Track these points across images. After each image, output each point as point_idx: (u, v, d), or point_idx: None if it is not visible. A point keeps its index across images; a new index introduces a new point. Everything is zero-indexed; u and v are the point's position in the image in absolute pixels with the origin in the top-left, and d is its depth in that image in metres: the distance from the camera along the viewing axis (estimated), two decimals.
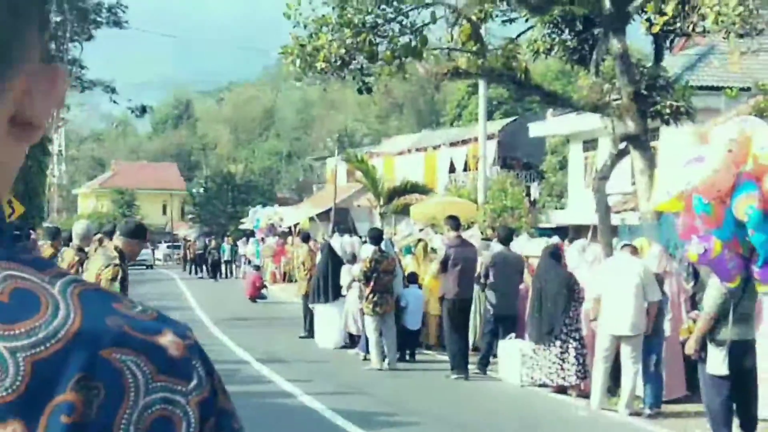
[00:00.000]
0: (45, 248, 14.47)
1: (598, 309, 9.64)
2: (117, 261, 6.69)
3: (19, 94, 0.79)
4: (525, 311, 12.44)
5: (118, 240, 6.90)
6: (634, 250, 9.87)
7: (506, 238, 12.98)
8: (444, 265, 11.81)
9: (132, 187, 65.56)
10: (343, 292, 14.33)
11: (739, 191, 6.85)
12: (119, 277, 6.67)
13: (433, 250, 15.01)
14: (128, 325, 0.74)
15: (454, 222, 12.48)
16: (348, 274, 14.15)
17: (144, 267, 43.42)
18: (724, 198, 6.93)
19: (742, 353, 7.68)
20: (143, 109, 55.60)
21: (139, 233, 7.04)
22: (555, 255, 10.82)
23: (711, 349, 7.71)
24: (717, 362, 7.65)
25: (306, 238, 17.59)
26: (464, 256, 11.80)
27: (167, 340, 0.75)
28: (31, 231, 18.83)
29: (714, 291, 7.68)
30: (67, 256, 8.99)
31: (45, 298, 0.73)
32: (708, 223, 7.08)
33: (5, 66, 0.77)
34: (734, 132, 7.09)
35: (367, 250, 13.09)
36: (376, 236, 13.05)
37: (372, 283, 12.40)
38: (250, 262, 34.47)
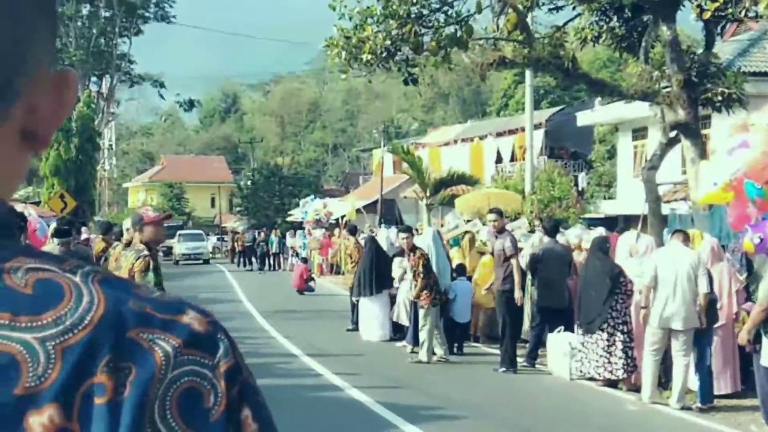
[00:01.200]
0: (97, 242, 14.66)
1: (649, 297, 9.47)
2: (145, 252, 6.86)
3: (26, 109, 0.81)
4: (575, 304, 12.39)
5: (138, 234, 7.04)
6: (686, 238, 9.67)
7: (552, 230, 12.84)
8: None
9: (181, 181, 66.23)
10: (395, 283, 14.31)
11: None
12: (151, 266, 6.83)
13: (483, 243, 14.90)
14: (150, 307, 0.77)
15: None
16: (399, 265, 14.14)
17: (200, 262, 43.66)
18: None
19: None
20: (191, 103, 56.25)
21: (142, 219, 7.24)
22: (603, 247, 10.67)
23: (765, 341, 7.56)
24: None
25: (353, 230, 17.60)
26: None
27: (190, 317, 0.78)
28: (82, 225, 19.09)
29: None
30: (116, 252, 9.08)
31: (68, 286, 0.76)
32: (764, 208, 6.93)
33: (12, 91, 0.79)
34: None
35: (421, 241, 13.00)
36: (407, 229, 13.12)
37: (428, 277, 12.30)
38: (297, 254, 34.59)
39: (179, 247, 44.62)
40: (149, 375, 0.73)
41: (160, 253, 7.50)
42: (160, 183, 67.59)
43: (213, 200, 71.73)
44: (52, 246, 10.50)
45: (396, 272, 14.26)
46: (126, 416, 0.72)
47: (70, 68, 0.86)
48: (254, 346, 14.31)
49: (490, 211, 12.78)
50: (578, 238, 13.50)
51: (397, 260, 14.44)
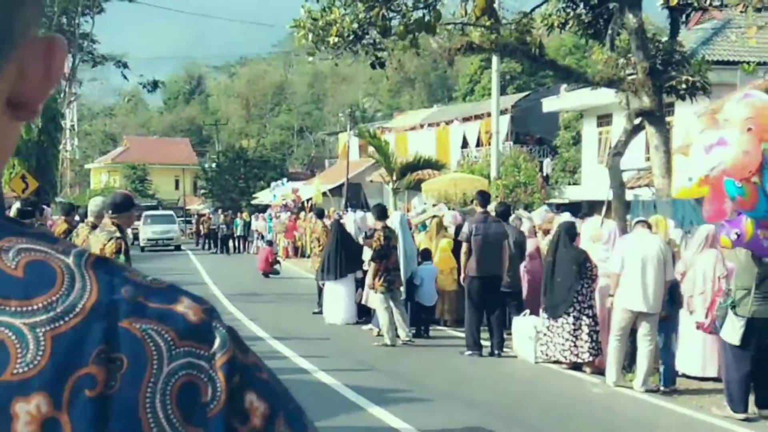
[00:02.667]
0: (59, 223, 14.50)
1: (616, 285, 9.59)
2: (118, 234, 6.87)
3: (14, 75, 0.78)
4: (536, 287, 12.48)
5: (110, 217, 7.02)
6: (648, 227, 9.81)
7: (503, 215, 12.93)
8: (467, 240, 11.74)
9: (144, 162, 65.65)
10: (365, 266, 14.35)
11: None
12: (122, 249, 6.83)
13: (445, 229, 14.98)
14: (143, 296, 0.75)
15: (483, 197, 12.41)
16: (369, 248, 14.18)
17: (170, 248, 39.00)
18: (753, 177, 6.92)
19: (764, 330, 7.66)
20: (155, 84, 55.72)
21: (129, 204, 7.23)
22: (570, 233, 10.76)
23: (731, 318, 7.73)
24: (732, 331, 7.66)
25: (321, 213, 17.59)
26: (486, 233, 11.72)
27: (184, 306, 0.76)
28: (44, 206, 18.87)
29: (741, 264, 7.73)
30: (82, 233, 9.00)
31: (60, 269, 0.74)
32: (744, 205, 7.04)
33: (3, 48, 0.76)
34: (746, 111, 7.04)
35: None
36: (380, 212, 13.02)
37: (385, 261, 12.38)
38: (262, 237, 34.50)
39: (145, 230, 39.05)
40: (142, 369, 0.71)
41: (131, 236, 7.42)
42: (123, 164, 67.00)
43: (177, 182, 71.27)
44: None
45: (366, 255, 14.32)
46: (116, 411, 0.70)
47: (57, 34, 0.84)
48: None
49: (480, 192, 12.83)
50: (542, 219, 13.59)
51: (367, 243, 14.49)
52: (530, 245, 13.25)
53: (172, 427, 0.71)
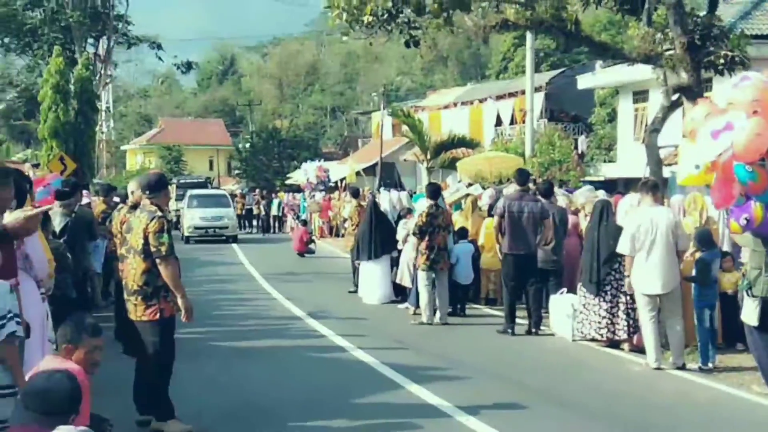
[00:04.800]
0: (97, 204, 14.71)
1: (630, 267, 9.56)
2: (159, 213, 6.84)
3: None
4: (574, 265, 12.43)
5: (148, 197, 6.99)
6: (657, 196, 9.64)
7: (547, 193, 12.87)
8: (500, 216, 11.74)
9: (179, 143, 66.09)
10: (399, 245, 14.40)
11: None
12: (165, 227, 6.81)
13: (480, 208, 14.99)
14: None
15: (522, 175, 12.38)
16: (403, 227, 14.23)
17: (223, 238, 30.42)
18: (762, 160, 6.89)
19: None
20: (189, 66, 55.81)
21: (164, 183, 7.18)
22: (607, 209, 10.71)
23: (746, 299, 7.70)
24: (749, 311, 7.62)
25: (356, 193, 17.62)
26: (521, 210, 11.70)
27: None
28: (84, 188, 19.07)
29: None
30: (121, 213, 9.13)
31: None
32: (756, 189, 6.98)
33: None
34: (751, 93, 6.97)
35: (423, 205, 13.07)
36: (433, 191, 13.04)
37: (428, 239, 12.40)
38: (297, 216, 34.68)
39: (191, 215, 30.20)
40: None
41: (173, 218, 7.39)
42: (158, 145, 67.51)
43: (211, 163, 71.67)
44: (54, 208, 10.50)
45: (400, 233, 14.38)
46: None
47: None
48: (256, 309, 14.42)
49: (519, 170, 12.79)
50: (585, 198, 13.52)
51: (402, 222, 14.55)
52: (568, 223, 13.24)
53: None
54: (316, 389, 8.34)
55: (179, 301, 6.75)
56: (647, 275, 9.42)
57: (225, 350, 10.49)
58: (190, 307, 6.81)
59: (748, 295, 7.66)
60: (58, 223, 10.59)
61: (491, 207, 13.70)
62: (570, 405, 7.92)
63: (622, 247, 9.54)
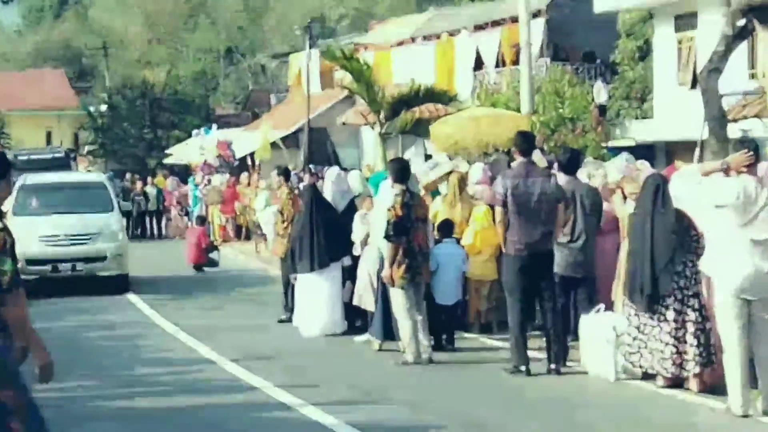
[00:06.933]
0: None
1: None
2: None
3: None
4: (610, 271, 12.61)
5: None
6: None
7: (569, 165, 12.99)
8: (502, 204, 11.82)
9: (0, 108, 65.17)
10: (356, 249, 14.44)
11: None
12: (7, 244, 6.52)
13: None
14: None
15: (525, 140, 12.44)
16: (362, 221, 14.25)
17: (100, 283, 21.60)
18: None
19: None
20: None
21: (3, 169, 6.74)
22: (661, 190, 10.85)
23: None
24: None
25: (286, 173, 17.61)
26: (529, 192, 11.80)
27: None
28: None
29: None
30: None
31: None
32: None
33: None
34: None
35: (387, 191, 13.06)
36: (401, 169, 12.98)
37: (404, 241, 12.47)
38: (187, 212, 34.60)
39: (27, 231, 19.62)
40: None
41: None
42: None
43: (49, 135, 70.85)
44: None
45: (358, 232, 14.37)
46: None
47: None
48: (150, 350, 14.38)
49: (520, 134, 12.89)
50: (621, 173, 13.67)
51: (359, 215, 14.53)
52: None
53: None
54: None
55: (34, 354, 6.54)
56: (741, 268, 9.43)
57: (116, 415, 10.48)
58: (49, 363, 6.56)
59: None
60: None
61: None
62: None
63: (726, 195, 9.57)
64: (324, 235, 14.69)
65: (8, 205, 19.81)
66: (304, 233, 14.83)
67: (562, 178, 12.66)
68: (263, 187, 27.50)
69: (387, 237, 12.55)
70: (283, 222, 16.44)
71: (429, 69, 39.07)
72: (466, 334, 14.27)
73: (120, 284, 21.37)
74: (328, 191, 15.88)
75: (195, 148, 41.01)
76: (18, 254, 6.40)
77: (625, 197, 12.99)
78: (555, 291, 12.10)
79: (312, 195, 15.26)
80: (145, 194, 38.38)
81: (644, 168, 13.80)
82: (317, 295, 14.81)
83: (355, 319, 14.78)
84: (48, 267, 21.14)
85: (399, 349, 12.79)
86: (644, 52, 33.24)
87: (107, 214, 22.72)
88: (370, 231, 13.85)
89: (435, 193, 15.90)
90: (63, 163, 36.32)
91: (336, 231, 14.78)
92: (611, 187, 13.88)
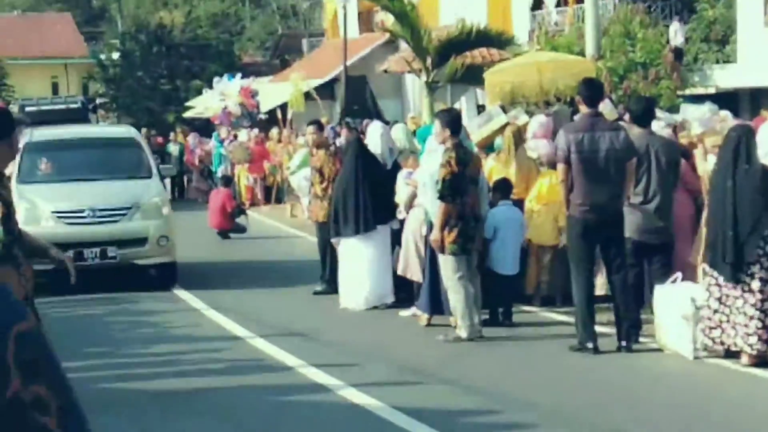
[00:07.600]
0: None
1: None
2: None
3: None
4: (688, 236, 12.61)
5: None
6: None
7: (643, 116, 12.95)
8: (565, 162, 11.80)
9: (0, 56, 65.49)
10: (400, 213, 14.44)
11: None
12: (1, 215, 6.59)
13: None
14: None
15: (591, 90, 12.43)
16: (405, 182, 14.23)
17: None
18: None
19: None
20: None
21: (5, 124, 6.78)
22: (747, 144, 10.82)
23: None
24: None
25: (320, 127, 17.53)
26: (595, 148, 11.78)
27: None
28: None
29: None
30: None
31: None
32: None
33: None
34: None
35: (436, 146, 12.99)
36: (454, 120, 12.92)
37: (458, 202, 12.46)
38: (210, 173, 34.69)
39: (32, 206, 17.51)
40: None
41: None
42: None
43: (55, 86, 71.24)
44: None
45: (402, 194, 14.39)
46: None
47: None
48: (171, 327, 14.51)
49: (585, 82, 12.82)
50: (705, 126, 13.64)
51: (402, 174, 14.53)
52: None
53: None
54: None
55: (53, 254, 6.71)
56: None
57: (140, 397, 10.57)
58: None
59: None
60: None
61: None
62: None
63: None
64: (371, 195, 14.68)
65: (13, 170, 16.76)
66: (349, 193, 14.81)
67: (633, 131, 12.62)
68: (301, 143, 27.27)
69: (441, 197, 12.45)
70: (323, 182, 16.35)
71: (481, 8, 38.86)
72: (526, 308, 14.30)
73: (166, 276, 18.23)
74: (375, 146, 15.76)
75: (216, 96, 40.99)
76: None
77: (706, 152, 12.97)
78: (625, 258, 12.11)
79: (358, 150, 15.23)
80: (164, 152, 38.47)
81: (727, 119, 13.75)
82: (362, 262, 14.79)
83: (399, 290, 14.82)
84: (68, 254, 13.45)
85: (449, 324, 12.85)
86: None
87: (145, 180, 19.18)
88: (417, 192, 13.79)
89: (489, 149, 15.88)
90: (80, 116, 35.00)
91: (384, 191, 14.77)
92: (692, 140, 13.87)
